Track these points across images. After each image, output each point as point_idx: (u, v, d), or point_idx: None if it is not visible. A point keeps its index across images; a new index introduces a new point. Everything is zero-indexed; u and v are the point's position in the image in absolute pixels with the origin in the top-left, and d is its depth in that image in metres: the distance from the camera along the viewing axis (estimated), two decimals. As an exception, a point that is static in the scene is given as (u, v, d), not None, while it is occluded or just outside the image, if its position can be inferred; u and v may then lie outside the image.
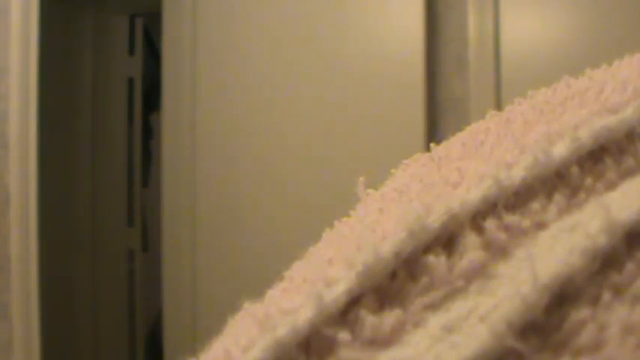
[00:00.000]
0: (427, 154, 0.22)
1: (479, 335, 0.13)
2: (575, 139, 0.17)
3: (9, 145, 1.78)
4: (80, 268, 2.68)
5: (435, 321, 0.14)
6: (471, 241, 0.15)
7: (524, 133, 0.19)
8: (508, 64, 1.82)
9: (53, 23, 2.34)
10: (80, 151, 2.71)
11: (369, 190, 0.22)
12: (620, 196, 0.16)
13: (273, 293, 0.17)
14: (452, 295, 0.14)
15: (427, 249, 0.15)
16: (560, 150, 0.17)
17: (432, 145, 0.23)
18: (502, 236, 0.15)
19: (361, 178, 0.22)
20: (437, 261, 0.15)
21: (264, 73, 2.01)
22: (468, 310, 0.14)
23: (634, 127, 0.18)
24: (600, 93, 0.19)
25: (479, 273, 0.15)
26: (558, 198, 0.16)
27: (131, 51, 2.82)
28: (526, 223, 0.16)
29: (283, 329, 0.14)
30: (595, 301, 0.14)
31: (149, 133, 3.01)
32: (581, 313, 0.13)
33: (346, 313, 0.14)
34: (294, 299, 0.15)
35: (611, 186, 0.17)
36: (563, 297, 0.14)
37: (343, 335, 0.14)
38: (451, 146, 0.21)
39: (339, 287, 0.14)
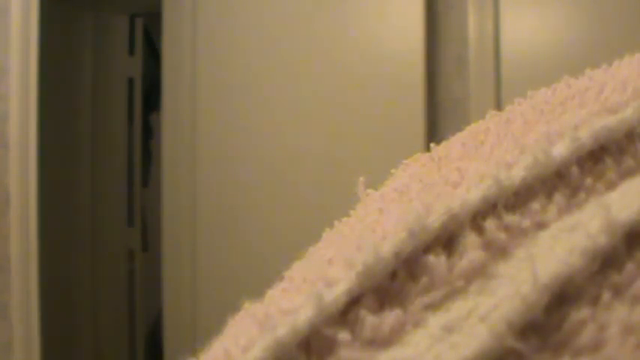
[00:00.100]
0: (427, 154, 0.22)
1: (479, 335, 0.13)
2: (575, 139, 0.17)
3: (9, 145, 1.78)
4: (80, 268, 2.68)
5: (435, 321, 0.14)
6: (471, 241, 0.15)
7: (524, 133, 0.19)
8: (508, 64, 1.82)
9: (53, 23, 2.34)
10: (80, 151, 2.71)
11: (369, 190, 0.22)
12: (620, 196, 0.16)
13: (273, 293, 0.17)
14: (452, 295, 0.14)
15: (427, 249, 0.15)
16: (560, 150, 0.17)
17: (432, 145, 0.23)
18: (502, 236, 0.15)
19: (361, 178, 0.22)
20: (437, 261, 0.15)
21: (264, 73, 2.01)
22: (468, 310, 0.14)
23: (634, 127, 0.18)
24: (600, 93, 0.19)
25: (479, 273, 0.15)
26: (558, 198, 0.16)
27: (131, 51, 2.82)
28: (526, 223, 0.16)
29: (283, 329, 0.14)
30: (595, 301, 0.14)
31: (149, 133, 3.01)
32: (581, 313, 0.13)
33: (346, 313, 0.14)
34: (294, 299, 0.15)
35: (611, 186, 0.17)
36: (563, 297, 0.14)
37: (343, 335, 0.14)
38: (451, 146, 0.21)
39: (339, 287, 0.14)
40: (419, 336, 0.14)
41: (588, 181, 0.17)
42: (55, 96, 2.45)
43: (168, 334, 2.14)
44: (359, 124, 1.89)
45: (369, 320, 0.14)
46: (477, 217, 0.16)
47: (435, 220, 0.15)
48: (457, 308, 0.14)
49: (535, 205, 0.16)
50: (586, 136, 0.17)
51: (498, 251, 0.15)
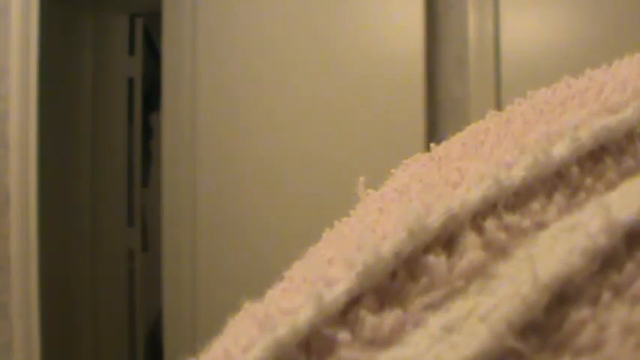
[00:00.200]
0: (427, 154, 0.22)
1: (479, 335, 0.13)
2: (575, 139, 0.17)
3: (9, 145, 1.78)
4: (80, 268, 2.68)
5: (435, 321, 0.14)
6: (471, 241, 0.15)
7: (524, 133, 0.19)
8: (508, 64, 1.82)
9: (53, 23, 2.34)
10: (80, 151, 2.71)
11: (369, 190, 0.22)
12: (620, 196, 0.16)
13: (273, 293, 0.17)
14: (452, 295, 0.14)
15: (427, 249, 0.15)
16: (560, 150, 0.17)
17: (432, 145, 0.23)
18: (502, 236, 0.15)
19: (361, 178, 0.22)
20: (437, 261, 0.15)
21: (264, 73, 2.01)
22: (468, 310, 0.14)
23: (634, 127, 0.18)
24: (600, 93, 0.19)
25: (479, 273, 0.15)
26: (558, 198, 0.16)
27: (131, 51, 2.82)
28: (526, 223, 0.16)
29: (283, 329, 0.14)
30: (595, 301, 0.14)
31: (149, 133, 3.01)
32: (581, 313, 0.13)
33: (346, 313, 0.14)
34: (294, 299, 0.15)
35: (611, 186, 0.17)
36: (563, 297, 0.14)
37: (343, 335, 0.14)
38: (451, 146, 0.21)
39: (339, 287, 0.14)
40: (419, 336, 0.14)
41: (588, 181, 0.17)
42: (55, 96, 2.45)
43: (168, 334, 2.14)
44: (359, 124, 1.89)
45: (369, 320, 0.14)
46: (477, 217, 0.16)
47: (435, 220, 0.15)
48: (457, 308, 0.14)
49: (535, 205, 0.16)
50: (586, 136, 0.17)
51: (498, 251, 0.15)
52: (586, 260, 0.14)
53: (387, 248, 0.15)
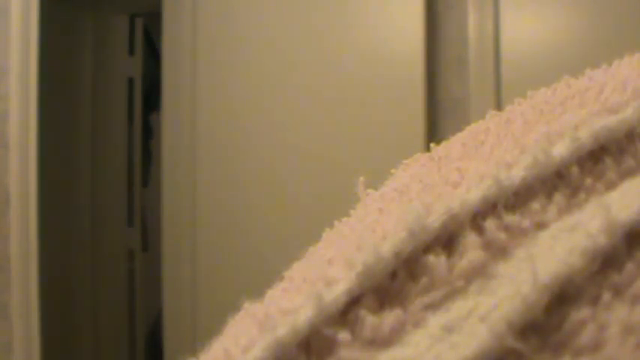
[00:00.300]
0: (427, 154, 0.22)
1: (479, 335, 0.13)
2: (575, 139, 0.17)
3: (9, 145, 1.78)
4: (80, 268, 2.68)
5: (435, 321, 0.14)
6: (471, 241, 0.15)
7: (524, 133, 0.19)
8: (508, 64, 1.82)
9: (53, 23, 2.34)
10: (80, 151, 2.71)
11: (369, 190, 0.22)
12: (620, 196, 0.16)
13: (273, 293, 0.17)
14: (452, 295, 0.14)
15: (427, 249, 0.15)
16: (560, 150, 0.17)
17: (432, 145, 0.23)
18: (502, 236, 0.15)
19: (361, 178, 0.22)
20: (437, 261, 0.15)
21: (264, 73, 2.01)
22: (468, 310, 0.14)
23: (634, 127, 0.18)
24: (600, 93, 0.19)
25: (479, 273, 0.15)
26: (558, 198, 0.16)
27: (131, 51, 2.82)
28: (526, 223, 0.16)
29: (283, 329, 0.14)
30: (595, 301, 0.14)
31: (149, 133, 3.01)
32: (581, 313, 0.13)
33: (346, 313, 0.14)
34: (294, 299, 0.15)
35: (611, 186, 0.17)
36: (563, 297, 0.14)
37: (343, 335, 0.14)
38: (451, 146, 0.21)
39: (339, 287, 0.14)
40: (419, 336, 0.14)
41: (588, 181, 0.17)
42: (55, 96, 2.45)
43: (168, 334, 2.14)
44: (359, 124, 1.89)
45: (369, 320, 0.14)
46: (477, 217, 0.16)
47: (435, 220, 0.15)
48: (457, 308, 0.14)
49: (535, 205, 0.16)
50: (586, 136, 0.17)
51: (498, 251, 0.15)
52: (586, 260, 0.14)
53: (387, 248, 0.15)
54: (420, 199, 0.17)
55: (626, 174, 0.17)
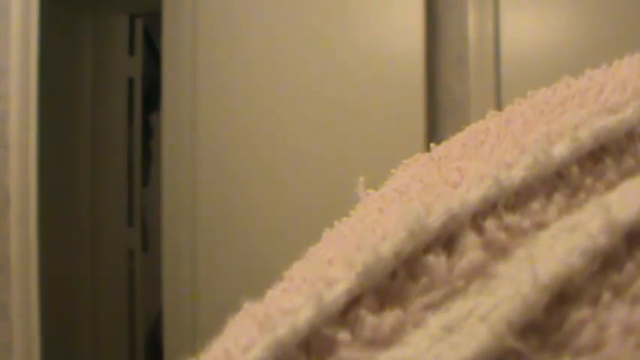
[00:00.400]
0: (427, 154, 0.22)
1: (479, 335, 0.13)
2: (575, 139, 0.17)
3: (9, 145, 1.78)
4: (80, 268, 2.68)
5: (435, 321, 0.14)
6: (471, 241, 0.15)
7: (524, 133, 0.19)
8: (508, 64, 1.82)
9: (53, 23, 2.34)
10: (80, 151, 2.71)
11: (369, 190, 0.22)
12: (620, 196, 0.16)
13: (273, 293, 0.17)
14: (452, 295, 0.14)
15: (427, 249, 0.15)
16: (560, 150, 0.17)
17: (432, 145, 0.23)
18: (502, 236, 0.15)
19: (361, 178, 0.22)
20: (437, 261, 0.15)
21: (264, 73, 2.01)
22: (468, 310, 0.14)
23: (634, 127, 0.18)
24: (600, 93, 0.19)
25: (479, 273, 0.15)
26: (558, 198, 0.16)
27: (131, 51, 2.82)
28: (526, 223, 0.16)
29: (283, 329, 0.14)
30: (595, 301, 0.14)
31: (149, 133, 3.01)
32: (581, 313, 0.13)
33: (346, 313, 0.14)
34: (294, 299, 0.15)
35: (611, 186, 0.17)
36: (563, 297, 0.14)
37: (343, 335, 0.14)
38: (451, 146, 0.21)
39: (339, 287, 0.14)
40: (419, 336, 0.14)
41: (588, 181, 0.17)
42: (55, 96, 2.45)
43: (168, 334, 2.14)
44: (359, 124, 1.89)
45: (369, 320, 0.14)
46: (477, 217, 0.16)
47: (435, 220, 0.15)
48: (457, 308, 0.14)
49: (535, 205, 0.16)
50: (586, 136, 0.17)
51: (498, 251, 0.15)
52: (586, 260, 0.14)
53: (387, 248, 0.15)
54: (420, 199, 0.17)
55: (626, 174, 0.17)
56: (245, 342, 0.14)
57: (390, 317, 0.14)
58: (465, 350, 0.13)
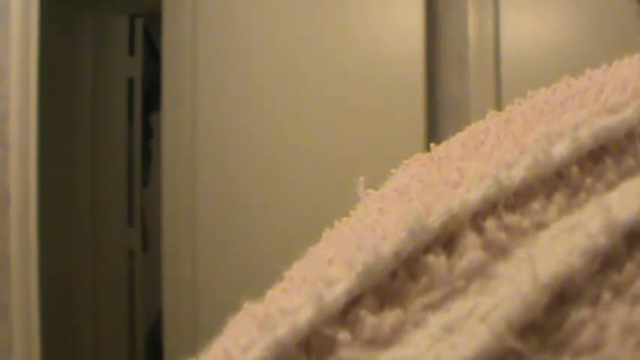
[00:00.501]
0: (427, 154, 0.22)
1: (479, 335, 0.13)
2: (575, 139, 0.17)
3: (9, 145, 1.78)
4: (80, 268, 2.68)
5: (435, 321, 0.14)
6: (471, 241, 0.15)
7: (524, 133, 0.19)
8: (508, 64, 1.82)
9: (53, 23, 2.34)
10: (80, 151, 2.71)
11: (369, 190, 0.22)
12: (620, 196, 0.16)
13: (273, 293, 0.17)
14: (452, 295, 0.14)
15: (427, 249, 0.15)
16: (560, 150, 0.17)
17: (432, 145, 0.23)
18: (502, 236, 0.15)
19: (361, 178, 0.22)
20: (437, 261, 0.15)
21: (264, 73, 2.01)
22: (468, 310, 0.14)
23: (634, 127, 0.18)
24: (600, 93, 0.19)
25: (479, 273, 0.15)
26: (558, 198, 0.16)
27: (131, 51, 2.82)
28: (526, 223, 0.16)
29: (283, 329, 0.14)
30: (595, 301, 0.14)
31: (149, 133, 3.01)
32: (581, 313, 0.13)
33: (346, 313, 0.14)
34: (294, 299, 0.15)
35: (611, 186, 0.17)
36: (563, 297, 0.14)
37: (343, 335, 0.14)
38: (451, 146, 0.21)
39: (339, 287, 0.14)
40: (419, 336, 0.14)
41: (588, 181, 0.17)
42: (55, 96, 2.45)
43: (168, 334, 2.14)
44: (359, 124, 1.89)
45: (369, 320, 0.14)
46: (477, 217, 0.16)
47: (435, 220, 0.15)
48: (457, 308, 0.14)
49: (535, 205, 0.16)
50: (586, 136, 0.17)
51: (498, 251, 0.15)
52: (586, 260, 0.14)
53: (387, 248, 0.15)
54: (420, 199, 0.17)
55: (626, 174, 0.17)
56: (245, 342, 0.14)
57: (390, 317, 0.14)
58: (465, 350, 0.13)
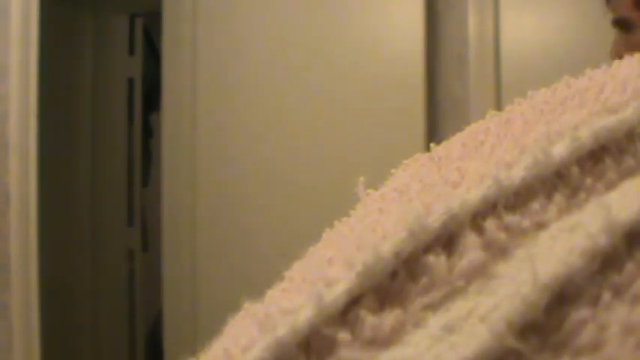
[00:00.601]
0: (427, 154, 0.22)
1: (479, 335, 0.13)
2: (575, 139, 0.17)
3: (9, 145, 1.78)
4: (80, 268, 2.68)
5: (435, 321, 0.14)
6: (471, 241, 0.15)
7: (524, 133, 0.19)
8: (508, 64, 1.82)
9: (53, 23, 2.34)
10: (80, 151, 2.71)
11: (369, 190, 0.22)
12: (620, 196, 0.16)
13: (273, 293, 0.17)
14: (452, 295, 0.14)
15: (427, 249, 0.15)
16: (560, 150, 0.17)
17: (432, 145, 0.23)
18: (502, 236, 0.15)
19: (361, 178, 0.22)
20: (437, 261, 0.15)
21: (264, 73, 2.01)
22: (468, 310, 0.14)
23: (634, 127, 0.18)
24: (600, 93, 0.19)
25: (479, 273, 0.15)
26: (558, 198, 0.16)
27: (131, 51, 2.82)
28: (526, 223, 0.16)
29: (283, 329, 0.14)
30: (595, 301, 0.14)
31: (149, 133, 3.01)
32: (581, 313, 0.13)
33: (346, 313, 0.14)
34: (294, 299, 0.15)
35: (611, 186, 0.16)
36: (563, 297, 0.14)
37: (343, 335, 0.14)
38: (451, 146, 0.21)
39: (339, 287, 0.14)
40: (419, 336, 0.14)
41: (588, 181, 0.17)
42: (55, 96, 2.45)
43: (168, 334, 2.14)
44: (359, 123, 1.89)
45: (369, 320, 0.14)
46: (477, 217, 0.16)
47: (435, 220, 0.15)
48: (457, 308, 0.14)
49: (535, 205, 0.16)
50: (586, 136, 0.17)
51: (498, 251, 0.15)
52: (586, 260, 0.14)
53: (387, 248, 0.15)
54: (420, 199, 0.17)
55: (626, 174, 0.17)
56: (245, 342, 0.14)
57: (390, 317, 0.14)
58: (465, 350, 0.13)
